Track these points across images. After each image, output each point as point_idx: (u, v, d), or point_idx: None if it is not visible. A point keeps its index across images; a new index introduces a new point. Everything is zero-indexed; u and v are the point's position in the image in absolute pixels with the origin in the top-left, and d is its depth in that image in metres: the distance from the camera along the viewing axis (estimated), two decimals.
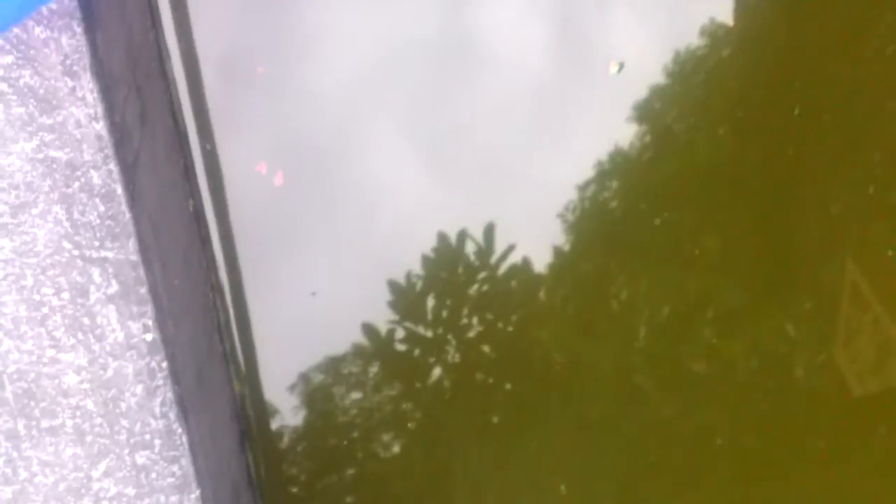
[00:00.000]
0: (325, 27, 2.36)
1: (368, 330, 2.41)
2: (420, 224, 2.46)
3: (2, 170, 1.42)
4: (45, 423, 1.56)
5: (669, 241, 2.51)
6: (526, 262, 2.47)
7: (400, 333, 2.43)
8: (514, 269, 2.48)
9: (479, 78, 2.46)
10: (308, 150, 2.41)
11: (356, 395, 2.44)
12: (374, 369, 2.44)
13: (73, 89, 1.41)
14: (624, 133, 2.59)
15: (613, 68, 2.46)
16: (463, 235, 2.45)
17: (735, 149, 2.54)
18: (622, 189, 2.61)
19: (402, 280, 2.43)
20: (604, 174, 2.60)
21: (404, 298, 2.43)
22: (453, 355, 2.48)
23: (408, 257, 2.44)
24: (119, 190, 1.47)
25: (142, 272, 1.52)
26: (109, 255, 1.49)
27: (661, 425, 2.47)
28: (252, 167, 2.28)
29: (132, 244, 1.50)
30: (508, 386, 2.50)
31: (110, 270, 1.50)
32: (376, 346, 2.41)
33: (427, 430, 2.48)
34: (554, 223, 2.51)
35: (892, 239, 2.38)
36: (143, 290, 1.52)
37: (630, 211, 2.58)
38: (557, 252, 2.51)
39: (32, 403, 1.56)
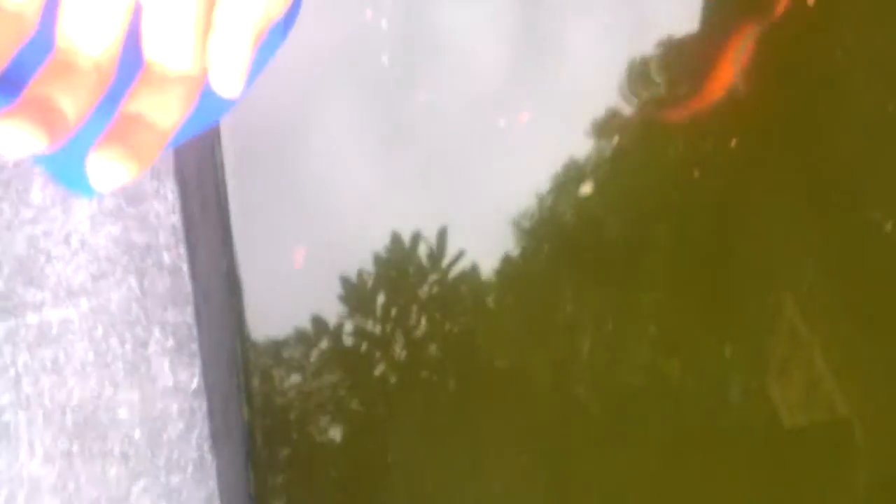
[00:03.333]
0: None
1: (317, 321, 2.45)
2: (375, 223, 2.50)
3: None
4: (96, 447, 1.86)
5: (620, 257, 2.62)
6: (475, 268, 2.54)
7: (349, 328, 2.48)
8: (464, 274, 2.55)
9: (440, 77, 2.49)
10: (263, 133, 2.41)
11: (295, 378, 2.49)
12: (317, 355, 2.49)
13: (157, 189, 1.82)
14: (583, 147, 2.67)
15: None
16: (416, 237, 2.50)
17: (688, 172, 2.65)
18: (577, 202, 2.69)
19: (353, 277, 2.47)
20: (560, 185, 2.67)
21: (355, 293, 2.47)
22: (400, 353, 2.54)
23: (361, 255, 2.48)
24: (185, 267, 1.85)
25: (195, 331, 1.85)
26: (170, 317, 1.81)
27: (596, 435, 2.60)
28: None
29: (190, 310, 1.84)
30: (452, 385, 2.59)
31: (169, 329, 1.80)
32: (324, 335, 2.46)
33: (367, 420, 2.55)
34: (507, 230, 2.58)
35: (828, 280, 2.56)
36: (195, 346, 1.78)
37: (583, 224, 2.67)
38: (508, 259, 2.58)
39: (88, 431, 1.86)
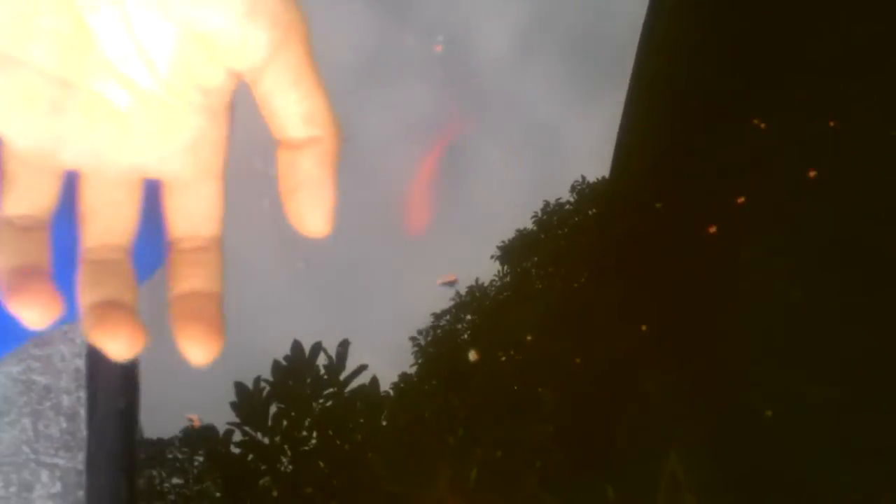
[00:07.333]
0: None
1: (206, 429, 2.40)
2: (277, 328, 2.46)
3: None
4: None
5: (512, 382, 2.65)
6: (373, 384, 2.53)
7: (237, 436, 2.43)
8: (361, 390, 2.53)
9: (356, 190, 2.48)
10: None
11: (177, 480, 2.43)
12: (200, 459, 2.43)
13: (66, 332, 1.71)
14: (486, 269, 2.71)
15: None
16: (317, 347, 2.48)
17: (584, 303, 2.71)
18: (475, 323, 2.72)
19: (249, 383, 2.43)
20: (460, 306, 2.70)
21: (248, 402, 2.43)
22: (286, 466, 2.50)
23: (259, 360, 2.44)
24: (83, 412, 1.77)
25: (84, 479, 1.77)
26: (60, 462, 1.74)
27: None
28: None
29: (81, 456, 1.77)
30: None
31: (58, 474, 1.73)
32: (211, 443, 2.41)
33: None
34: (405, 346, 2.59)
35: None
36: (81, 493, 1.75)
37: (479, 345, 2.70)
38: (405, 377, 2.58)
39: None
